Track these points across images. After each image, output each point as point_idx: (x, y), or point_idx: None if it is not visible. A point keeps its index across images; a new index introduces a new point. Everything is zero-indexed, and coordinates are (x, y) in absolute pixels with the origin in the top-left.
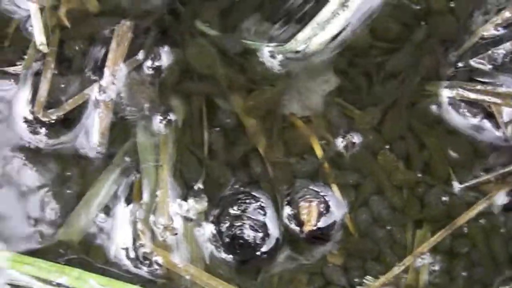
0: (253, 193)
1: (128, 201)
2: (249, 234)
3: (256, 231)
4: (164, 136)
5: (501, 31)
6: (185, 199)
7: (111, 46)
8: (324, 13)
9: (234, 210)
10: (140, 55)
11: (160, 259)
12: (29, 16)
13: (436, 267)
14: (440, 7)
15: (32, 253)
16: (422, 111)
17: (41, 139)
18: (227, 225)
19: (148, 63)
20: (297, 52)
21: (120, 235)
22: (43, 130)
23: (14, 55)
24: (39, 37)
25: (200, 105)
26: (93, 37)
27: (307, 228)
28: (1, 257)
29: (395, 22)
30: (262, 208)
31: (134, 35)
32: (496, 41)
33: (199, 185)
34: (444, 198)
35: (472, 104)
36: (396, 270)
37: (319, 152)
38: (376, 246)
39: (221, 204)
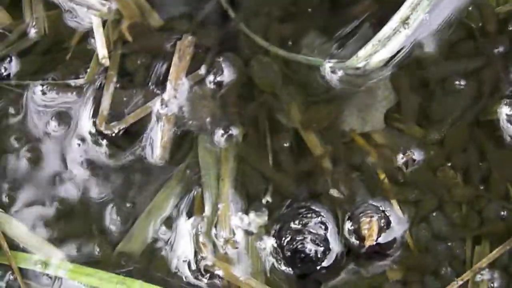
0: (314, 208)
1: (190, 214)
2: (310, 248)
3: (318, 245)
4: (226, 150)
5: None
6: (246, 212)
7: (173, 60)
8: (385, 30)
9: (295, 224)
10: (202, 70)
11: (221, 272)
12: (91, 30)
13: (495, 284)
14: (496, 28)
15: (93, 264)
16: (482, 128)
17: (103, 152)
18: (288, 239)
19: (210, 77)
20: (357, 68)
21: (181, 248)
22: (105, 143)
23: (76, 68)
24: (101, 51)
25: (262, 119)
26: (155, 51)
27: (368, 243)
28: (61, 267)
29: (456, 40)
30: (323, 222)
31: (196, 50)
32: None
33: (261, 199)
34: (502, 213)
35: None
36: (455, 285)
37: (379, 168)
38: (436, 261)
39: (282, 218)
